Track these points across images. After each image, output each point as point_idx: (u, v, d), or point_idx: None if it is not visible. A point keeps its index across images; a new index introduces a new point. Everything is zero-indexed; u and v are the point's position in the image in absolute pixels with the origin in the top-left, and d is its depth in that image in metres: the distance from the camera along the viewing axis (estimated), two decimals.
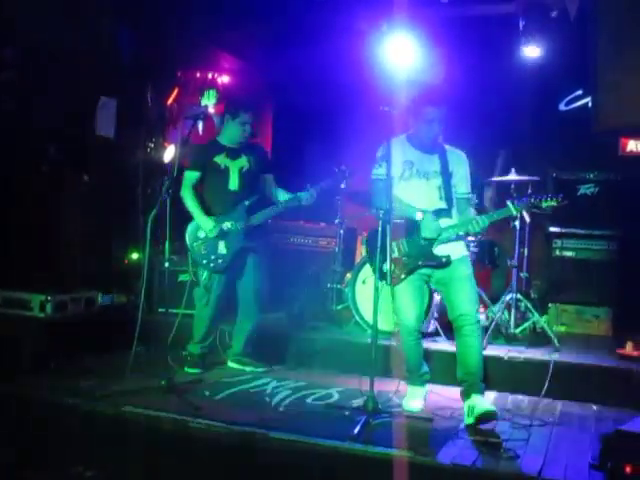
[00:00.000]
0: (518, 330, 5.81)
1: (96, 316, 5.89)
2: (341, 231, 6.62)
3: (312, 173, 5.77)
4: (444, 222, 4.44)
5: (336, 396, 4.78)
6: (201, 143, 5.86)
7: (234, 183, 5.18)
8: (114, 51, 6.46)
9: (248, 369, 5.32)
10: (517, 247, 5.96)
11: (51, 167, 6.09)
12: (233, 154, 5.23)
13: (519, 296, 5.86)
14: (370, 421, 4.11)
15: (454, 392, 4.62)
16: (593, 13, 4.63)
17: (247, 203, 5.12)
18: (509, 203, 4.36)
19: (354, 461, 3.71)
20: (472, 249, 6.00)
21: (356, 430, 3.91)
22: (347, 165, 5.02)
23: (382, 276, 4.20)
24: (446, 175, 4.50)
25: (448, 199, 4.48)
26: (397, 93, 4.58)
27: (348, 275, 6.39)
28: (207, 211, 5.19)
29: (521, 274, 6.05)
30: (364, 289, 5.96)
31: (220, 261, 5.14)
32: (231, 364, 5.42)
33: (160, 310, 6.03)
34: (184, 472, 3.95)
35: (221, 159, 5.21)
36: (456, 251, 4.49)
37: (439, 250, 4.42)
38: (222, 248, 5.14)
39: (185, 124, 6.74)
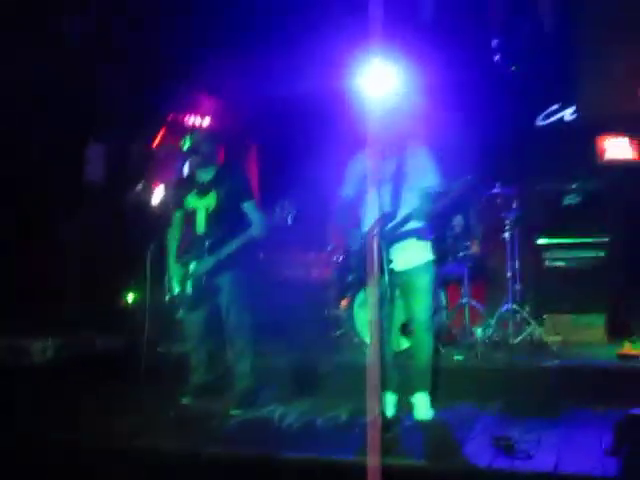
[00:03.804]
0: (516, 341, 5.88)
1: (95, 357, 5.87)
2: (334, 256, 6.68)
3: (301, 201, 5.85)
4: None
5: (344, 416, 4.79)
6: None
7: (200, 225, 5.21)
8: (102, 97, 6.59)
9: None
10: (509, 259, 6.05)
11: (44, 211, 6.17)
12: (202, 191, 5.22)
13: (515, 307, 5.94)
14: (383, 435, 4.12)
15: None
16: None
17: (207, 244, 5.12)
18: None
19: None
20: (464, 264, 6.10)
21: None
22: (289, 202, 5.08)
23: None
24: (398, 177, 4.61)
25: (394, 203, 4.57)
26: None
27: (344, 301, 6.44)
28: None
29: (515, 286, 6.14)
30: (363, 312, 6.02)
31: (187, 300, 5.20)
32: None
33: (160, 347, 6.08)
34: None
35: (190, 199, 5.26)
36: (411, 258, 4.60)
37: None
38: (189, 288, 5.20)
39: (175, 165, 6.86)
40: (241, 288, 5.24)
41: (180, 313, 5.26)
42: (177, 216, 5.39)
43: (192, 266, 5.21)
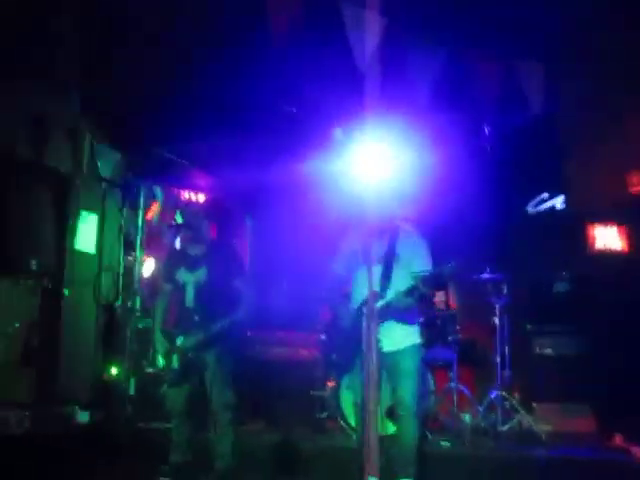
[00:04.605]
0: (505, 428, 5.76)
1: (75, 433, 5.71)
2: (322, 337, 6.62)
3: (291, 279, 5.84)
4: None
5: None
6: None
7: (189, 299, 5.15)
8: (94, 169, 6.66)
9: None
10: (498, 345, 6.00)
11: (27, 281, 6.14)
12: (193, 265, 5.21)
13: (504, 394, 5.85)
14: None
15: None
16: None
17: (197, 319, 5.05)
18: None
19: None
20: (453, 349, 6.05)
21: None
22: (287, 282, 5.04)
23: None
24: (390, 258, 4.62)
25: (384, 283, 4.56)
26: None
27: (330, 383, 6.34)
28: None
29: (504, 372, 6.06)
30: (349, 394, 5.90)
31: (172, 375, 5.06)
32: None
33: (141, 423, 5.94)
34: None
35: (180, 273, 5.22)
36: (399, 340, 4.55)
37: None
38: (175, 362, 5.06)
39: (167, 238, 6.87)
40: (226, 366, 5.14)
41: (164, 388, 5.15)
42: (166, 289, 5.35)
43: (179, 340, 5.14)
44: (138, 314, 6.65)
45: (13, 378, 5.84)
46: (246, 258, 8.00)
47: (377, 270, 4.58)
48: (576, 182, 6.50)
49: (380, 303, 4.49)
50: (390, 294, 4.52)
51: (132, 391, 5.27)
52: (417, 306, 4.62)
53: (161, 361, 5.15)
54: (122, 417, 5.07)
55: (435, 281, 4.48)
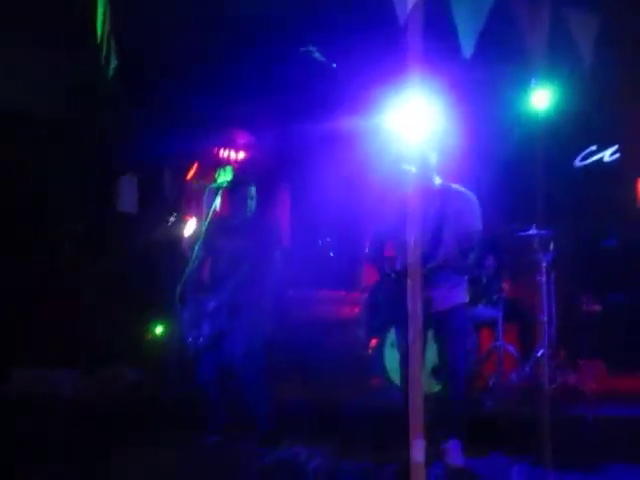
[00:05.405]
0: (551, 387, 5.69)
1: (125, 394, 5.78)
2: (365, 297, 6.57)
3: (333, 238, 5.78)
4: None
5: (373, 461, 4.65)
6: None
7: (224, 266, 5.13)
8: (132, 131, 6.64)
9: None
10: (545, 302, 5.88)
11: (71, 246, 6.20)
12: (231, 232, 5.18)
13: (550, 352, 5.76)
14: None
15: None
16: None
17: (232, 283, 5.02)
18: None
19: None
20: (498, 307, 5.97)
21: None
22: (331, 237, 4.91)
23: None
24: (440, 218, 4.51)
25: (434, 243, 4.45)
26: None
27: (374, 341, 6.32)
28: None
29: (550, 330, 5.96)
30: (393, 352, 5.87)
31: (201, 339, 5.03)
32: None
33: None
34: None
35: (217, 239, 5.19)
36: (446, 300, 4.49)
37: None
38: (205, 327, 5.04)
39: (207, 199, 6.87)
40: (256, 331, 5.11)
41: (195, 352, 5.11)
42: (201, 252, 5.29)
43: (211, 305, 5.08)
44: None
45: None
46: (287, 219, 7.96)
47: (427, 230, 4.49)
48: (626, 134, 6.27)
49: (433, 264, 4.42)
50: (441, 254, 4.44)
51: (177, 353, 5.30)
52: (469, 267, 4.54)
53: (191, 325, 5.08)
54: (168, 378, 5.09)
55: (490, 243, 4.41)
